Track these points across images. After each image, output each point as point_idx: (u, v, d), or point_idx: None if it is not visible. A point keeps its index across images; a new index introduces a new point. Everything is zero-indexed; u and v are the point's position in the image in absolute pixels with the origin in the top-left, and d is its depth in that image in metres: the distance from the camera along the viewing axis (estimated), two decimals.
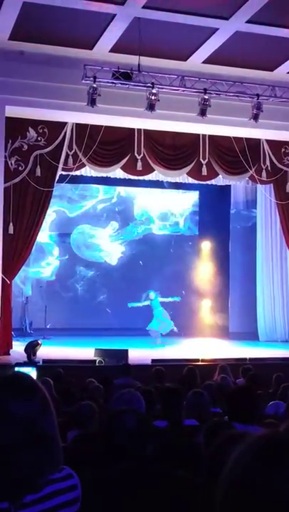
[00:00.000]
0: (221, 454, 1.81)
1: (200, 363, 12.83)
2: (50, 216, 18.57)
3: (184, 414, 5.39)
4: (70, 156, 15.13)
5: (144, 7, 12.07)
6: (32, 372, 8.19)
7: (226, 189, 19.14)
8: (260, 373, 9.67)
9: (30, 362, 12.43)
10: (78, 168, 15.44)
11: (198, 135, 16.09)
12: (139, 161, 15.75)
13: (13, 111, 14.11)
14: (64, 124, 14.99)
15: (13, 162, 14.58)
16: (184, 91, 13.81)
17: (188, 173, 16.52)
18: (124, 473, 2.81)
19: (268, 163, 16.63)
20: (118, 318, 18.63)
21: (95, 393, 7.61)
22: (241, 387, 5.67)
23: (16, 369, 9.02)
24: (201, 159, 16.19)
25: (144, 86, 13.32)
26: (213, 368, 10.69)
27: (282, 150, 16.76)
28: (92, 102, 13.25)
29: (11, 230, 14.44)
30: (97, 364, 12.83)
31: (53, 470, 1.91)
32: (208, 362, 12.99)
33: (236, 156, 16.24)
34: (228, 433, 1.89)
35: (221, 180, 17.26)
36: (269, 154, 16.63)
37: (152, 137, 15.80)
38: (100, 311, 19.24)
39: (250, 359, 13.41)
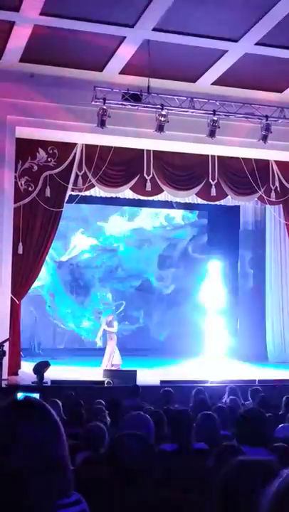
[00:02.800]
0: (231, 481, 1.80)
1: (209, 385, 12.75)
2: None
3: (194, 436, 5.35)
4: (80, 177, 15.19)
5: (153, 29, 12.17)
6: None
7: (234, 209, 19.16)
8: (269, 395, 9.60)
9: (39, 382, 12.39)
10: (88, 188, 15.51)
11: (207, 156, 16.13)
12: (148, 181, 15.79)
13: (23, 132, 14.21)
14: (74, 145, 15.07)
15: (23, 183, 14.65)
16: (193, 112, 13.88)
17: (197, 194, 16.55)
18: (132, 498, 2.80)
19: (277, 184, 16.64)
20: (127, 338, 18.61)
21: (100, 415, 7.56)
22: (250, 410, 5.63)
23: (19, 394, 8.96)
24: (210, 180, 16.21)
25: (154, 107, 13.40)
26: (222, 390, 10.63)
27: None
28: (102, 123, 13.33)
29: (20, 250, 14.48)
30: (105, 385, 12.78)
31: (62, 495, 1.90)
32: (217, 383, 12.91)
33: (245, 176, 16.26)
34: (238, 460, 1.88)
35: (229, 200, 17.28)
36: (278, 175, 16.64)
37: (161, 158, 15.85)
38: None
39: (260, 381, 13.32)
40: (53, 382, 12.53)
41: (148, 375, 13.88)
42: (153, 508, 2.76)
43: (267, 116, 14.16)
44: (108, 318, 16.05)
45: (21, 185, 14.64)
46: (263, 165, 16.51)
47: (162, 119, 13.40)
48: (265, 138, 14.28)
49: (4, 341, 12.75)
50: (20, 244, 14.51)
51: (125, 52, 13.09)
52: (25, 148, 14.62)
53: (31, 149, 14.79)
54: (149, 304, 19.87)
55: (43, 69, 13.65)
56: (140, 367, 14.24)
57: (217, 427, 5.63)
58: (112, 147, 15.17)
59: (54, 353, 16.94)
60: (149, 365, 16.02)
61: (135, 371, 13.20)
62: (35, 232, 14.84)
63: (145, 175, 15.73)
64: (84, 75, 13.78)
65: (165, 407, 8.19)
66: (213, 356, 18.40)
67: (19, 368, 14.40)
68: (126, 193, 16.43)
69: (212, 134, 13.93)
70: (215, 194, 16.46)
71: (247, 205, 18.75)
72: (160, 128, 13.51)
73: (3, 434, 1.84)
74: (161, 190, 16.23)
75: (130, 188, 16.02)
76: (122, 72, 13.83)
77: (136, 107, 13.49)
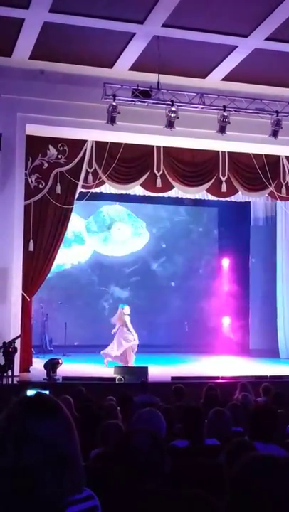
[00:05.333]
0: (243, 477, 1.79)
1: (220, 381, 12.75)
2: None
3: (206, 432, 5.35)
4: (90, 174, 15.21)
5: (163, 25, 12.15)
6: None
7: (245, 205, 19.12)
8: (280, 392, 9.57)
9: (50, 378, 12.44)
10: (98, 185, 15.51)
11: (218, 152, 16.11)
12: (159, 178, 15.79)
13: (33, 129, 14.23)
14: (84, 141, 15.08)
15: (33, 180, 14.68)
16: (203, 108, 13.85)
17: (208, 190, 16.52)
18: (143, 495, 2.79)
19: (287, 179, 16.59)
20: (138, 335, 18.58)
21: (111, 411, 7.54)
22: (262, 406, 5.63)
23: (29, 391, 8.97)
24: (221, 176, 16.19)
25: (164, 104, 13.38)
26: (234, 386, 10.61)
27: None
28: (112, 120, 13.33)
29: (31, 248, 14.51)
30: (117, 381, 12.79)
31: (74, 491, 1.90)
32: (229, 380, 12.91)
33: (256, 172, 16.22)
34: (250, 456, 1.87)
35: (240, 196, 17.24)
36: None
37: (172, 154, 15.84)
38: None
39: (271, 377, 13.31)
40: (65, 378, 12.56)
41: (159, 372, 13.89)
42: (164, 504, 2.76)
43: (277, 112, 14.10)
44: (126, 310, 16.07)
45: (32, 182, 14.67)
46: (274, 160, 16.46)
47: (172, 115, 13.37)
48: (275, 133, 14.23)
49: (15, 338, 12.79)
50: (31, 241, 14.54)
51: (135, 49, 13.08)
52: (36, 145, 14.64)
53: (41, 146, 14.81)
54: (159, 301, 19.85)
55: (53, 66, 13.67)
56: (152, 363, 14.26)
57: (229, 423, 5.62)
58: (122, 144, 15.16)
59: (65, 350, 16.96)
60: (161, 361, 16.02)
61: (146, 367, 13.21)
62: (46, 229, 14.86)
63: (155, 171, 15.73)
64: (94, 72, 13.79)
65: (177, 404, 8.18)
66: (224, 353, 18.40)
67: (30, 364, 14.45)
68: (136, 190, 16.43)
69: (222, 129, 13.88)
70: (225, 190, 16.43)
71: (258, 201, 18.71)
72: (170, 124, 13.48)
73: (14, 430, 1.84)
74: (171, 187, 16.21)
75: (140, 185, 16.00)
76: (132, 68, 13.82)
77: (146, 104, 13.46)
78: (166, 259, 20.53)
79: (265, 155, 16.21)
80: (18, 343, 12.81)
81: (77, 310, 19.16)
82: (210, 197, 17.03)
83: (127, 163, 15.49)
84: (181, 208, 20.36)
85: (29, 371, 14.14)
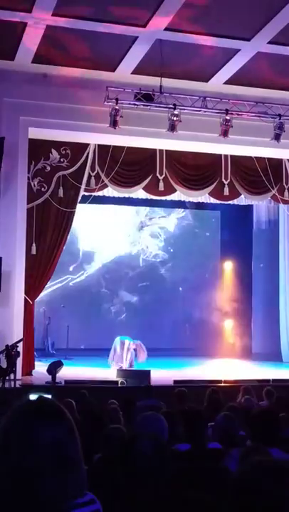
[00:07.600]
0: (246, 480, 1.79)
1: (222, 385, 12.73)
2: None
3: (212, 436, 5.33)
4: (93, 177, 15.22)
5: (165, 29, 12.17)
6: None
7: (248, 209, 19.12)
8: (283, 395, 9.56)
9: (55, 382, 12.43)
10: (100, 189, 15.53)
11: (220, 155, 16.11)
12: (161, 181, 15.79)
13: (36, 133, 14.24)
14: (86, 145, 15.10)
15: (36, 183, 14.70)
16: (205, 112, 13.86)
17: (210, 194, 16.53)
18: (145, 498, 2.79)
19: None
20: (141, 338, 18.57)
21: (114, 415, 7.53)
22: (264, 410, 5.61)
23: (32, 395, 8.95)
24: (223, 179, 16.19)
25: (166, 107, 13.40)
26: (236, 390, 10.59)
27: None
28: (115, 124, 13.34)
29: (33, 251, 14.53)
30: (119, 385, 12.78)
31: (76, 495, 1.90)
32: (231, 383, 12.89)
33: (258, 176, 16.22)
34: (253, 459, 1.87)
35: (243, 200, 17.24)
36: None
37: (174, 158, 15.84)
38: (123, 330, 19.18)
39: (274, 380, 13.28)
40: (67, 382, 12.56)
41: (162, 375, 13.87)
42: (165, 507, 2.76)
43: (280, 115, 14.12)
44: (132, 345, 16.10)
45: (34, 185, 14.69)
46: (276, 164, 16.46)
47: (175, 118, 13.40)
48: (278, 137, 14.24)
49: (18, 341, 12.79)
50: (34, 245, 14.55)
51: (137, 52, 13.09)
52: (38, 148, 14.66)
53: (44, 150, 14.83)
54: (161, 304, 19.84)
55: (56, 70, 13.69)
56: (154, 367, 14.23)
57: (236, 427, 5.60)
58: (124, 147, 15.18)
59: (68, 353, 16.95)
60: (163, 365, 16.00)
61: (149, 371, 13.20)
62: (48, 233, 14.88)
63: (158, 175, 15.74)
64: (96, 75, 13.80)
65: (179, 407, 8.17)
66: (226, 356, 18.38)
67: (33, 368, 14.44)
68: (139, 193, 16.44)
69: (225, 133, 13.90)
70: (228, 194, 16.43)
71: (260, 205, 18.71)
72: (173, 128, 13.50)
73: (17, 434, 1.84)
74: (174, 190, 16.22)
75: (143, 188, 16.02)
76: (135, 72, 13.83)
77: (148, 107, 13.49)
78: (171, 264, 20.50)
79: (268, 158, 16.22)
80: (20, 347, 12.81)
81: (80, 313, 19.14)
82: (212, 200, 17.04)
83: (130, 166, 15.49)
84: (185, 211, 20.35)
85: (31, 374, 14.13)
